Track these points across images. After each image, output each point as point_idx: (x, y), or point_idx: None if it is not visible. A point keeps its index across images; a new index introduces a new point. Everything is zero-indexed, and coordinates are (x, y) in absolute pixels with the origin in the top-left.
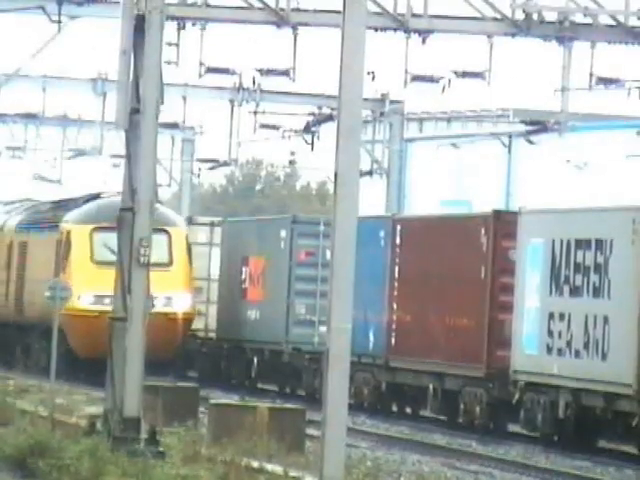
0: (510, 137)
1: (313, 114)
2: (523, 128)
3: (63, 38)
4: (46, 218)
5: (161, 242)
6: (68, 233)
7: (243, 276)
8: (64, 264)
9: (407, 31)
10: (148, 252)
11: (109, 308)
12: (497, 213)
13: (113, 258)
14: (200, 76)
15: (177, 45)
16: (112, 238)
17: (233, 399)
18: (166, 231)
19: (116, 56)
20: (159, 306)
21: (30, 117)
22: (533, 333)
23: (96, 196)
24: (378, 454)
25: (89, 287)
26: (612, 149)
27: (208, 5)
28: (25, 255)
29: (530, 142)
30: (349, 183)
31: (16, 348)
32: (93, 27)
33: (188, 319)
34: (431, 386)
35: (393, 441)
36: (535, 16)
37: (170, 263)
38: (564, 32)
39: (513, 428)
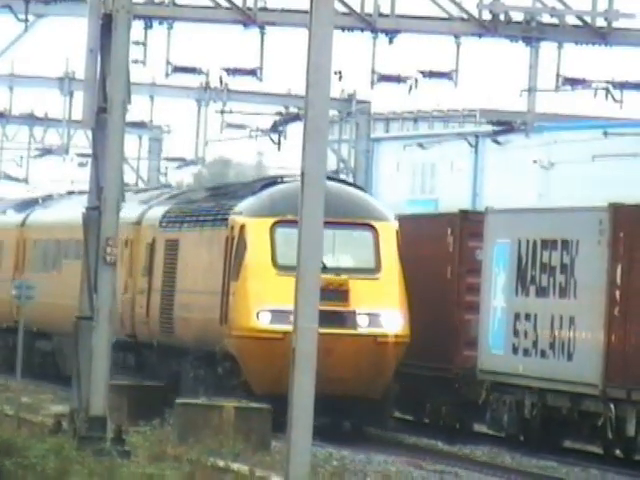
0: (477, 137)
1: (280, 114)
2: (490, 128)
3: (30, 37)
4: (206, 209)
5: (365, 241)
6: (242, 228)
7: None
8: (237, 270)
9: (374, 31)
10: (115, 251)
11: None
12: (463, 213)
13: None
14: (167, 75)
15: (144, 44)
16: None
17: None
18: (371, 226)
19: (83, 55)
20: (363, 326)
21: None
22: (499, 333)
23: (275, 180)
24: (344, 453)
25: (271, 300)
26: (578, 150)
27: (175, 4)
28: (175, 257)
29: (497, 142)
30: (316, 182)
31: (162, 376)
32: (60, 26)
33: (402, 343)
34: (397, 386)
35: (359, 440)
36: (502, 16)
37: (377, 269)
38: (531, 32)
39: (479, 428)
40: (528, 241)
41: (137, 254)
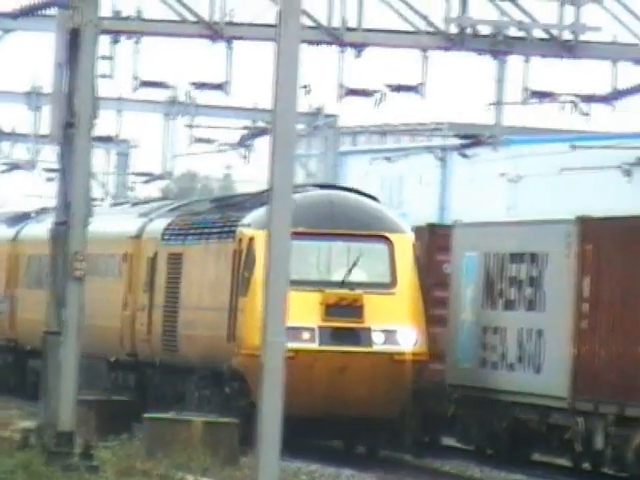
0: (444, 151)
1: (248, 128)
2: (457, 142)
3: None
4: (212, 221)
5: (379, 254)
6: (250, 241)
7: None
8: (245, 285)
9: (341, 45)
10: (83, 265)
11: (309, 346)
12: (431, 227)
13: (313, 276)
14: (134, 90)
15: (111, 59)
16: (311, 249)
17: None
18: (386, 238)
19: (51, 70)
20: (379, 344)
21: None
22: (467, 347)
23: None
24: (313, 468)
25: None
26: (546, 163)
27: (142, 19)
28: (179, 272)
29: (464, 156)
30: (283, 196)
31: (166, 397)
32: (28, 40)
33: (420, 361)
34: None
35: (328, 455)
36: (469, 30)
37: (393, 284)
38: (498, 46)
39: (448, 441)
40: (496, 254)
41: (137, 269)
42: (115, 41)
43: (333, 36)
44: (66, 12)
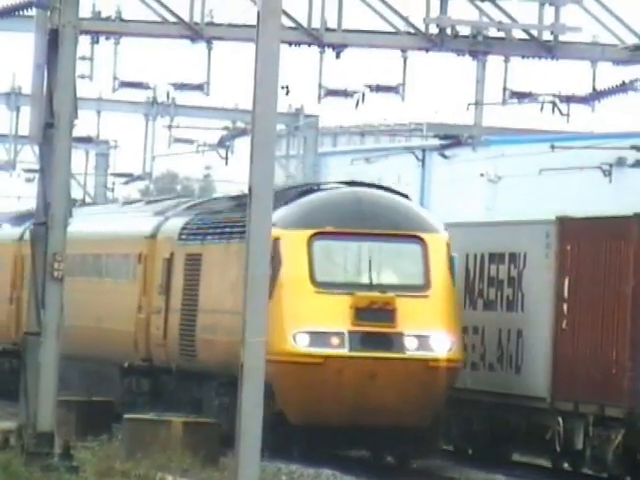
0: (424, 151)
1: (227, 128)
2: (437, 142)
3: None
4: (234, 219)
5: (412, 255)
6: (275, 241)
7: None
8: (270, 287)
9: (321, 45)
10: (62, 266)
11: (338, 352)
12: None
13: (340, 279)
14: (114, 90)
15: (91, 59)
16: (340, 250)
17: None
18: (420, 238)
19: (30, 70)
20: (412, 349)
21: None
22: None
23: (312, 188)
24: (292, 468)
25: (309, 321)
26: (526, 163)
27: (122, 19)
28: (198, 273)
29: (444, 156)
30: (263, 197)
31: (183, 403)
32: (7, 41)
33: (454, 368)
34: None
35: (308, 456)
36: (449, 30)
37: (426, 286)
38: (478, 46)
39: None
40: (476, 255)
41: (152, 270)
42: (95, 42)
43: (313, 37)
44: (45, 13)
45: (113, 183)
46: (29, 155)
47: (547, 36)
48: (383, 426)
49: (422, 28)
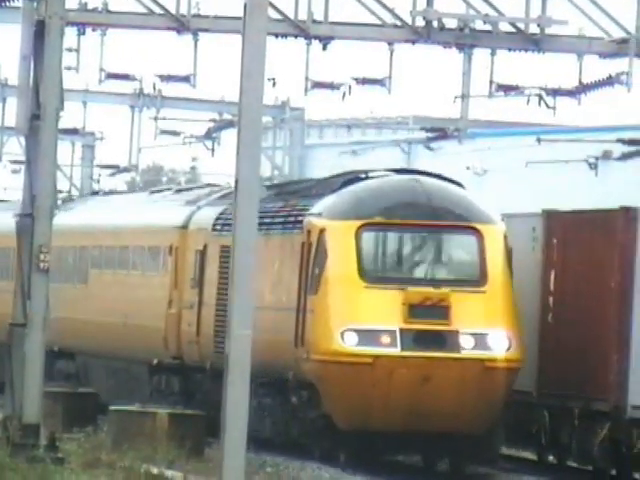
0: (410, 144)
1: (214, 120)
2: (423, 135)
3: None
4: (273, 209)
5: (468, 247)
6: (321, 233)
7: None
8: (316, 282)
9: (308, 38)
10: (48, 258)
11: (389, 351)
12: None
13: (391, 273)
14: (100, 82)
15: (77, 51)
16: (391, 242)
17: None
18: (476, 230)
19: (16, 62)
20: (468, 349)
21: None
22: None
23: (359, 176)
24: (278, 460)
25: (358, 318)
26: (512, 156)
27: (108, 11)
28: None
29: (430, 149)
30: (250, 189)
31: (217, 404)
32: None
33: (513, 369)
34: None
35: (294, 448)
36: (435, 23)
37: (483, 281)
38: (464, 39)
39: None
40: None
41: (183, 263)
42: (81, 33)
43: (299, 29)
44: (32, 4)
45: (99, 175)
46: (15, 147)
47: (534, 29)
48: (437, 431)
49: (409, 21)
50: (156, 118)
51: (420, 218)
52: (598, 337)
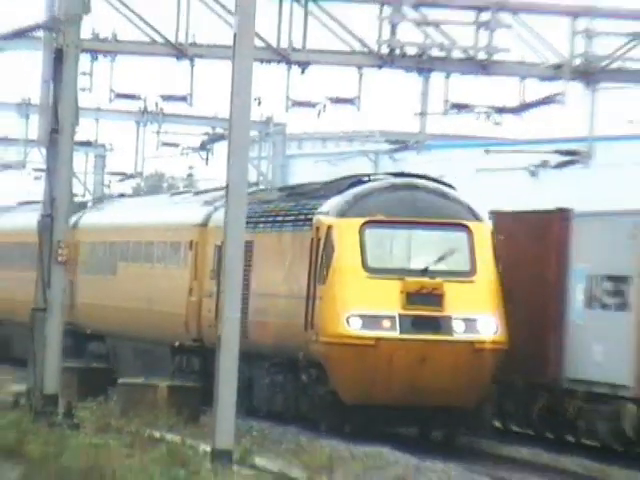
0: (376, 155)
1: (208, 134)
2: (387, 147)
3: None
4: (285, 209)
5: (459, 242)
6: (329, 229)
7: None
8: (324, 273)
9: (288, 63)
10: (65, 252)
11: (390, 334)
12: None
13: (391, 265)
14: (110, 101)
15: (90, 74)
16: (391, 237)
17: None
18: (465, 226)
19: (38, 84)
20: (460, 332)
21: None
22: None
23: (361, 179)
24: (264, 426)
25: (362, 305)
26: (463, 165)
27: (117, 40)
28: (250, 259)
29: (393, 159)
30: (239, 193)
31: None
32: (19, 58)
33: (500, 350)
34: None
35: (278, 417)
36: (398, 51)
37: (472, 272)
38: (423, 64)
39: None
40: None
41: (203, 256)
42: (94, 59)
43: (281, 55)
44: (51, 34)
45: (109, 181)
46: (37, 156)
47: (482, 56)
48: (432, 405)
49: (375, 48)
50: (158, 132)
51: (416, 216)
52: (539, 321)
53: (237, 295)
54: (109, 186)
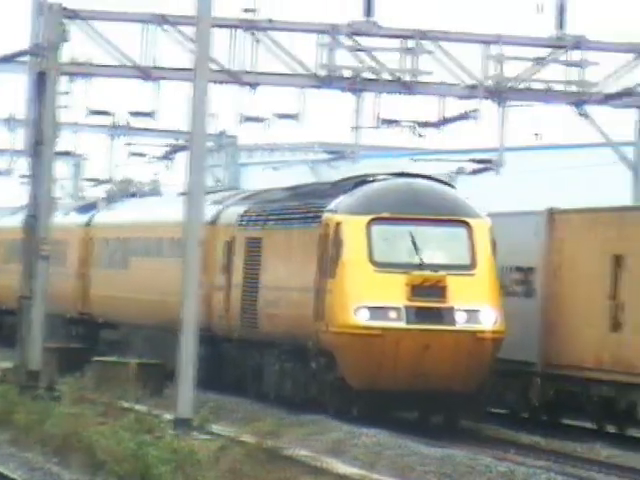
0: (316, 163)
1: (171, 145)
2: (326, 156)
3: None
4: (293, 207)
5: (460, 238)
6: (338, 226)
7: None
8: (333, 267)
9: (240, 83)
10: (47, 247)
11: (396, 324)
12: None
13: (396, 259)
14: (86, 116)
15: (68, 93)
16: (396, 234)
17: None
18: (466, 223)
19: (23, 101)
20: (462, 322)
21: None
22: None
23: (366, 179)
24: (219, 397)
25: (369, 297)
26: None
27: (92, 64)
28: (259, 255)
29: (331, 167)
30: (197, 197)
31: (245, 370)
32: (6, 81)
33: (499, 339)
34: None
35: (232, 390)
36: (335, 73)
37: (473, 266)
38: (356, 85)
39: None
40: None
41: (212, 252)
42: (72, 80)
43: (234, 77)
44: (35, 59)
45: (85, 186)
46: (23, 165)
47: (408, 77)
48: (435, 391)
49: (315, 71)
50: (128, 144)
51: (420, 213)
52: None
53: (194, 284)
54: (84, 190)
